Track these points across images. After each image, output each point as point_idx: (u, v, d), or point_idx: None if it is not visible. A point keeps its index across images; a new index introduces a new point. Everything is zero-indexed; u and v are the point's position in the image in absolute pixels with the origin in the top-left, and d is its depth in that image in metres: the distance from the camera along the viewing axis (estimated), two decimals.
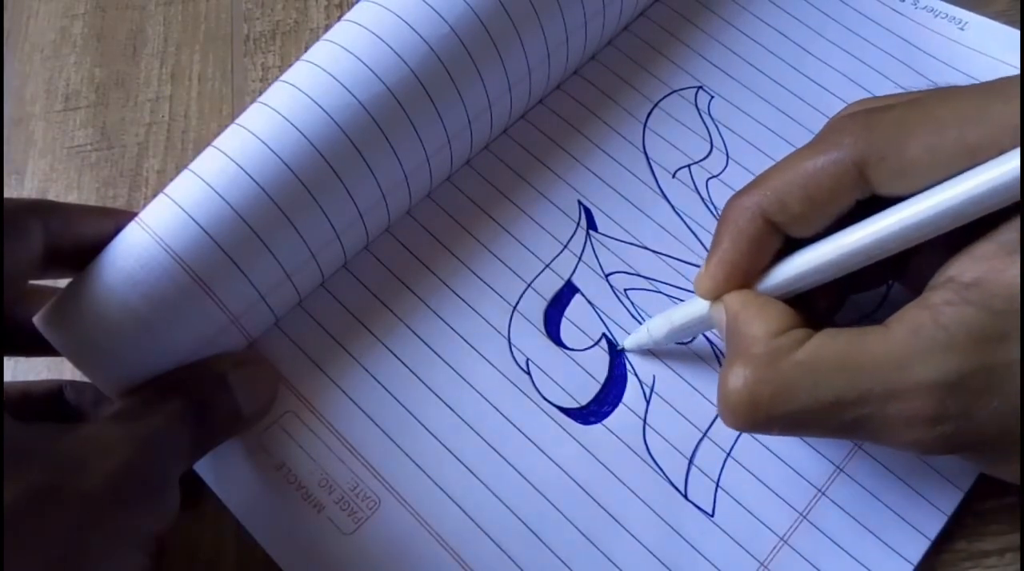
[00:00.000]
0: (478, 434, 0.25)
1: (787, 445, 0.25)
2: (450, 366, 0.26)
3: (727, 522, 0.24)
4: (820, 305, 0.23)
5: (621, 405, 0.25)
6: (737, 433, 0.25)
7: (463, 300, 0.27)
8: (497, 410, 0.25)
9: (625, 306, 0.27)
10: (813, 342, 0.20)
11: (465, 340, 0.26)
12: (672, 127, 0.29)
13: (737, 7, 0.32)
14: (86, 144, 0.31)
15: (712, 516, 0.24)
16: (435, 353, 0.26)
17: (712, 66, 0.30)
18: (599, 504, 0.24)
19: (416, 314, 0.26)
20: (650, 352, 0.26)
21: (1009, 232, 0.18)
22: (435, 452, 0.25)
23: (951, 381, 0.18)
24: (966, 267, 0.19)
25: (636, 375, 0.26)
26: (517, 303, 0.27)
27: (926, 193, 0.19)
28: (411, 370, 0.26)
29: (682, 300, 0.26)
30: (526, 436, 0.25)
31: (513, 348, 0.26)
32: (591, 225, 0.28)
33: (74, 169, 0.31)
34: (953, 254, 0.19)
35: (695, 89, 0.30)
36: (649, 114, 0.30)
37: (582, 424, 0.25)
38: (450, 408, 0.25)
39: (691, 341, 0.26)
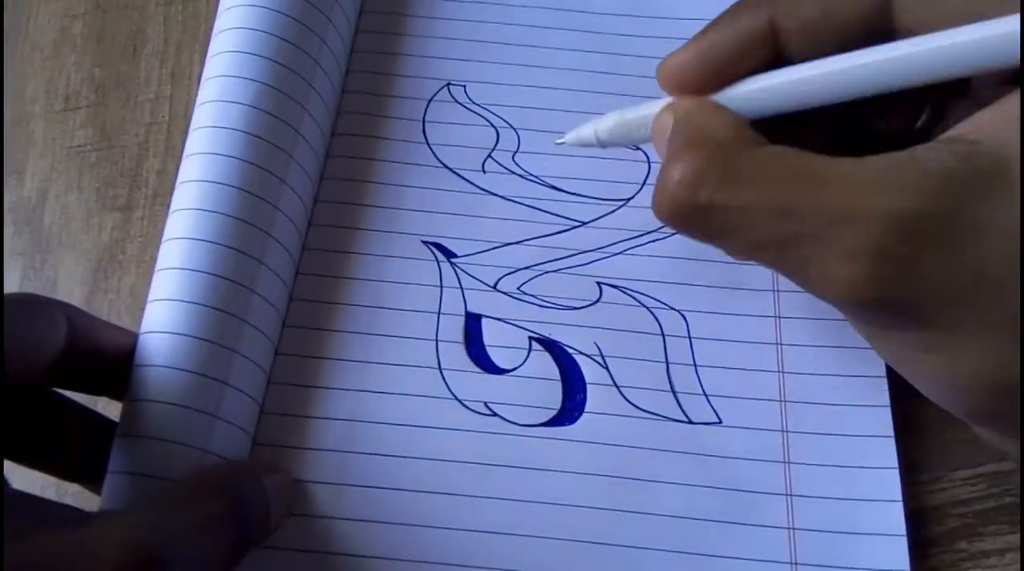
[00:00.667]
0: (498, 498, 0.24)
1: (734, 327, 0.26)
2: (422, 458, 0.25)
3: (734, 418, 0.25)
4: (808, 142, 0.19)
5: (589, 386, 0.26)
6: (688, 342, 0.26)
7: (387, 393, 0.26)
8: (493, 466, 0.25)
9: (528, 301, 0.27)
10: (779, 146, 0.18)
11: (420, 426, 0.25)
12: (450, 131, 0.30)
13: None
14: (86, 144, 0.31)
15: (721, 423, 0.25)
16: (403, 457, 0.25)
17: (442, 60, 0.31)
18: (633, 479, 0.24)
19: (358, 407, 0.26)
20: (581, 324, 0.26)
21: (1011, 100, 0.17)
22: (480, 542, 0.24)
23: (909, 217, 0.16)
24: (967, 130, 0.17)
25: (582, 353, 0.26)
26: (439, 362, 0.26)
27: (928, 36, 0.17)
28: (383, 488, 0.25)
29: (569, 270, 0.27)
30: (535, 468, 0.25)
31: (465, 403, 0.26)
32: (449, 255, 0.28)
33: (74, 169, 0.31)
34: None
35: (443, 86, 0.30)
36: (424, 131, 0.30)
37: (571, 424, 0.25)
38: (449, 494, 0.24)
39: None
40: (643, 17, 0.31)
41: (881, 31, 0.19)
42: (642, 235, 0.28)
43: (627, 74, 0.30)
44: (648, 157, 0.29)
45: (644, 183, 0.29)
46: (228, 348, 0.23)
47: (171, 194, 0.25)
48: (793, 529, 0.24)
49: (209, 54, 0.26)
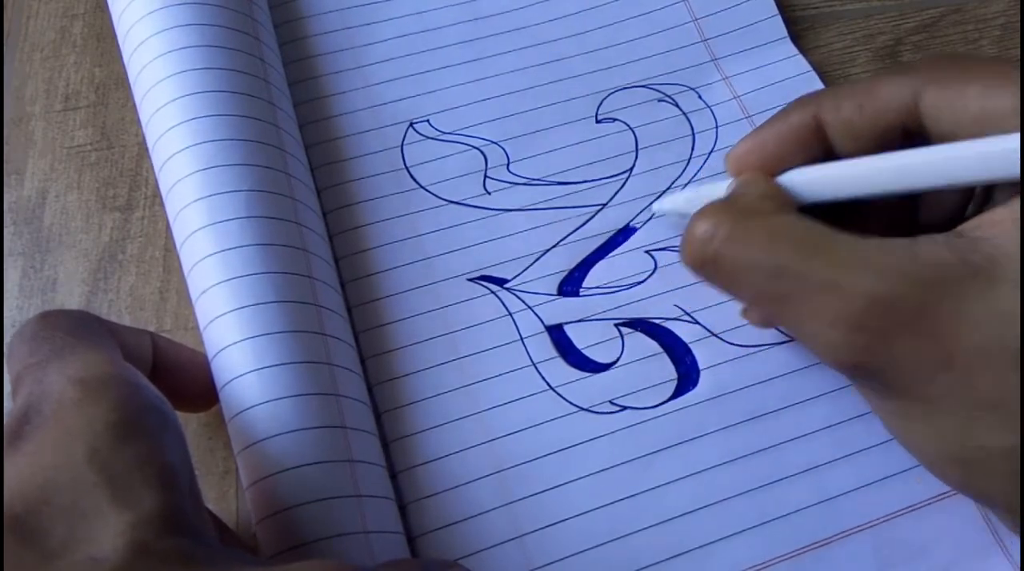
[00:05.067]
0: (667, 482, 0.24)
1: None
2: (579, 479, 0.24)
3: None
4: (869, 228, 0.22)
5: (691, 345, 0.26)
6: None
7: (514, 432, 0.25)
8: (650, 455, 0.25)
9: (595, 294, 0.27)
10: (789, 217, 0.20)
11: (563, 449, 0.25)
12: (436, 167, 0.29)
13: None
14: (86, 144, 0.31)
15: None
16: (560, 486, 0.24)
17: (393, 103, 0.30)
18: (773, 411, 0.25)
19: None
20: (653, 293, 0.27)
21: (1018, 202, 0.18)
22: (669, 531, 0.24)
23: (888, 298, 0.18)
24: (976, 224, 0.18)
25: (669, 319, 0.27)
26: (549, 383, 0.26)
27: (956, 144, 0.19)
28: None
29: (616, 253, 0.28)
30: (685, 440, 0.25)
31: (593, 409, 0.25)
32: (500, 282, 0.27)
33: (74, 169, 0.30)
34: None
35: (407, 127, 0.30)
36: (412, 176, 0.29)
37: (695, 387, 0.26)
38: (622, 500, 0.24)
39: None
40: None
41: (915, 130, 0.21)
42: (659, 197, 0.29)
43: (564, 57, 0.31)
44: (629, 126, 0.30)
45: (637, 150, 0.30)
46: (340, 426, 0.22)
47: None
48: None
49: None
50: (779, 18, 0.32)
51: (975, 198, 0.22)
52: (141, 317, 0.28)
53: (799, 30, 0.33)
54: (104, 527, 0.16)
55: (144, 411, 0.18)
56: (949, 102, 0.19)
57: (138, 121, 0.27)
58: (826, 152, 0.22)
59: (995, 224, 0.18)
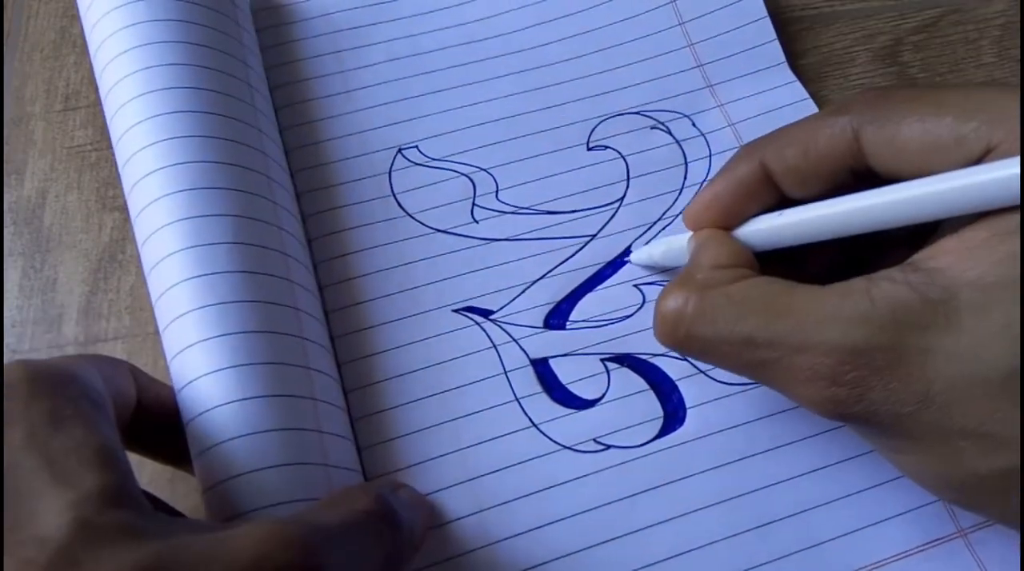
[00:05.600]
0: (653, 524, 0.24)
1: None
2: (561, 520, 0.24)
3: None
4: (809, 269, 0.23)
5: (678, 383, 0.26)
6: None
7: (496, 471, 0.24)
8: (634, 496, 0.24)
9: (582, 328, 0.27)
10: (748, 282, 0.20)
11: (544, 488, 0.24)
12: (424, 194, 0.29)
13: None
14: (86, 144, 0.31)
15: None
16: (541, 527, 0.24)
17: (382, 129, 0.30)
18: (763, 452, 0.25)
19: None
20: (641, 328, 0.26)
21: (974, 230, 0.18)
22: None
23: (856, 349, 0.18)
24: (929, 254, 0.19)
25: (656, 354, 0.26)
26: (531, 419, 0.25)
27: (898, 186, 0.19)
28: None
29: (604, 286, 0.27)
30: (672, 481, 0.24)
31: (576, 448, 0.25)
32: (485, 314, 0.27)
33: (74, 169, 0.31)
34: None
35: (396, 153, 0.29)
36: (400, 204, 0.28)
37: (682, 425, 0.25)
38: (606, 542, 0.24)
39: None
40: (549, 22, 0.32)
41: (862, 172, 0.21)
42: (650, 228, 0.28)
43: (551, 84, 0.31)
44: (621, 154, 0.30)
45: (628, 179, 0.29)
46: (321, 463, 0.22)
47: None
48: None
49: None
50: (777, 43, 0.31)
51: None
52: (141, 317, 0.28)
53: (799, 30, 0.32)
54: (47, 508, 0.16)
55: (77, 398, 0.18)
56: (889, 141, 0.20)
57: None
58: (778, 196, 0.22)
59: (948, 253, 0.18)
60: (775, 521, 0.24)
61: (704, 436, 0.25)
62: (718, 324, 0.20)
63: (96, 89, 0.30)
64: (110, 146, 0.29)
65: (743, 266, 0.21)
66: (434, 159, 0.29)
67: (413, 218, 0.28)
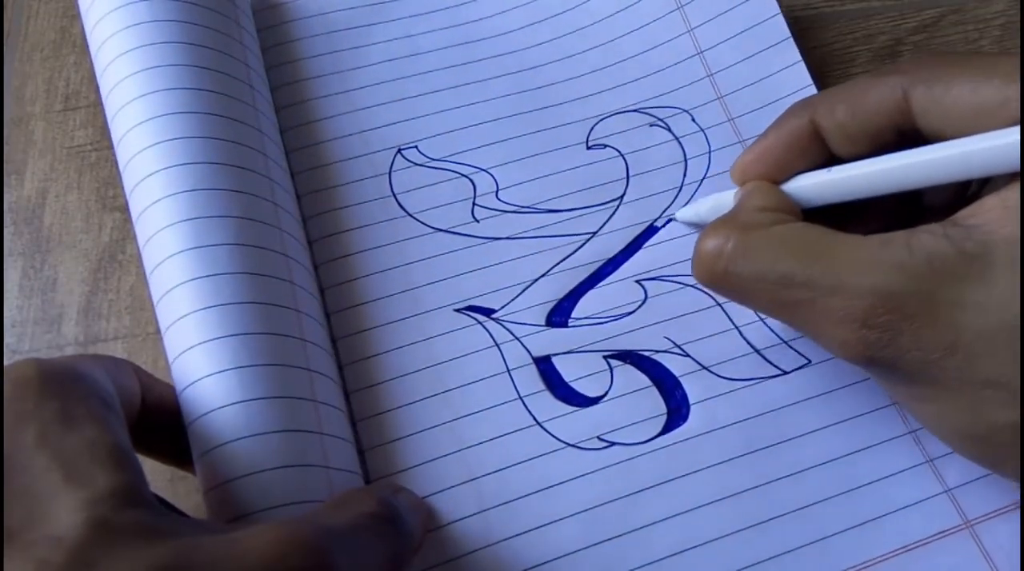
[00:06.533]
0: (658, 520, 0.24)
1: None
2: (566, 518, 0.24)
3: (820, 353, 0.26)
4: (865, 228, 0.23)
5: (681, 379, 0.26)
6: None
7: (500, 470, 0.24)
8: (637, 493, 0.24)
9: (584, 325, 0.26)
10: (790, 225, 0.21)
11: (549, 487, 0.24)
12: (424, 194, 0.28)
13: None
14: (86, 144, 0.31)
15: (811, 362, 0.26)
16: (547, 525, 0.24)
17: (382, 129, 0.29)
18: (767, 447, 0.25)
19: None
20: (643, 324, 0.26)
21: (1014, 189, 0.18)
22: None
23: (891, 293, 0.19)
24: (970, 213, 0.19)
25: (658, 351, 0.26)
26: (535, 418, 0.25)
27: (942, 144, 0.20)
28: None
29: (606, 282, 0.27)
30: (676, 477, 0.24)
31: (580, 446, 0.25)
32: (487, 313, 0.27)
33: (74, 169, 0.31)
34: None
35: (395, 154, 0.29)
36: (400, 204, 0.28)
37: (685, 422, 0.25)
38: (611, 539, 0.24)
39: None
40: (546, 20, 0.32)
41: (909, 132, 0.21)
42: (651, 225, 0.28)
43: (550, 83, 0.31)
44: (620, 152, 0.30)
45: (628, 177, 0.29)
46: (322, 465, 0.22)
47: None
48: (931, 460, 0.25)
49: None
50: (781, 17, 0.30)
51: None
52: (141, 317, 0.28)
53: (799, 30, 0.32)
54: (61, 507, 0.16)
55: (88, 397, 0.18)
56: (937, 100, 0.20)
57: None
58: (826, 154, 0.23)
59: (987, 210, 0.18)
60: (779, 516, 0.24)
61: (708, 432, 0.25)
62: (757, 262, 0.21)
63: (96, 89, 0.30)
64: (110, 146, 0.29)
65: (786, 210, 0.22)
66: (434, 159, 0.29)
67: (414, 218, 0.28)
